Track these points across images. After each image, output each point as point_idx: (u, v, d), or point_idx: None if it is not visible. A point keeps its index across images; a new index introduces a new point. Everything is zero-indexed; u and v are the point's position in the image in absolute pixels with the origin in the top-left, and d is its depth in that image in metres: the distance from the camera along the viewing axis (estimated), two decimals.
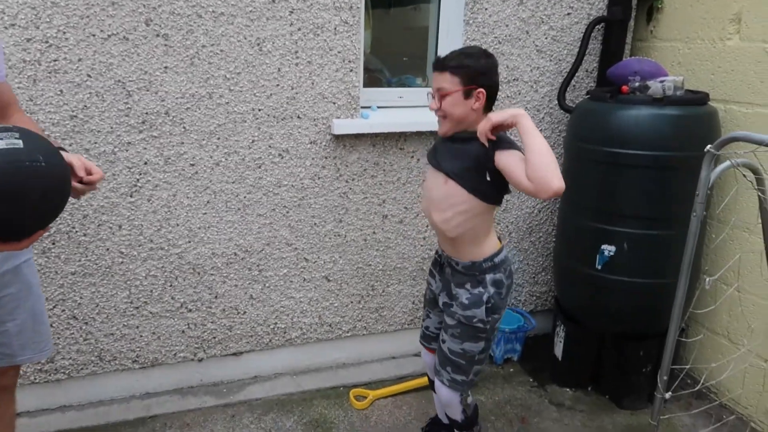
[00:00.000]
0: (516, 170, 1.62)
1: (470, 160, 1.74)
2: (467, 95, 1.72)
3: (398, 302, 2.85)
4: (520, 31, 2.68)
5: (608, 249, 2.41)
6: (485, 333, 1.87)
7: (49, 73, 2.11)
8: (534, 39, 2.71)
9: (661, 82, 2.38)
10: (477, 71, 1.71)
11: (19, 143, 1.11)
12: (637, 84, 2.43)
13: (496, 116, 1.64)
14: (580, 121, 2.56)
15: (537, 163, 1.55)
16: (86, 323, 2.40)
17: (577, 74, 2.80)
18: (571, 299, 2.69)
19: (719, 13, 2.52)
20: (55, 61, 2.10)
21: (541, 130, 2.82)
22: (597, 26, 2.76)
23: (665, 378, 2.01)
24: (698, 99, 2.41)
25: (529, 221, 2.98)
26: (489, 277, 1.84)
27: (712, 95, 2.50)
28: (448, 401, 1.98)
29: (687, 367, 2.60)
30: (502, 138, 1.71)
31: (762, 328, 2.43)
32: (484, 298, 1.83)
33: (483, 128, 1.66)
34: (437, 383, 1.99)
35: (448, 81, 1.72)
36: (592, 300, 2.54)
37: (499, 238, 1.91)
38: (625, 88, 2.46)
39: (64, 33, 2.09)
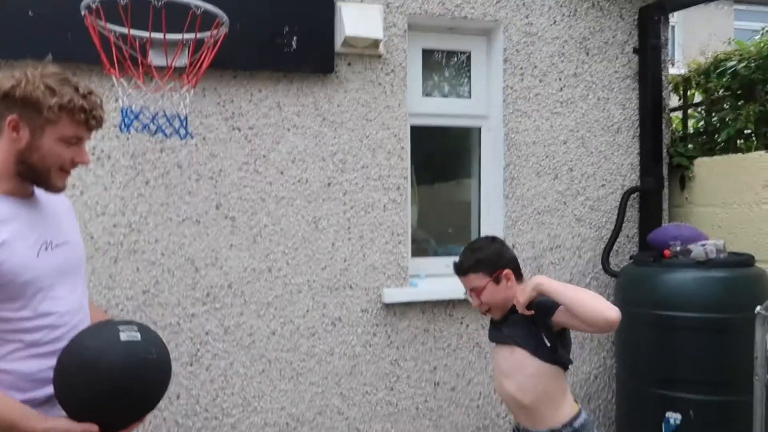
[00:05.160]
0: (572, 323, 1.73)
1: (526, 328, 1.83)
2: (497, 281, 1.86)
3: None
4: (558, 203, 2.85)
5: (674, 417, 2.30)
6: None
7: (129, 253, 2.35)
8: (572, 209, 2.86)
9: (703, 245, 2.44)
10: (493, 259, 1.87)
11: (137, 336, 1.19)
12: (678, 248, 2.49)
13: (522, 296, 1.78)
14: (626, 285, 2.60)
15: (579, 311, 1.65)
16: None
17: (618, 240, 2.89)
18: None
19: (751, 180, 2.64)
20: (135, 242, 2.36)
21: None
22: (632, 195, 2.90)
23: None
24: (744, 261, 2.43)
25: (586, 388, 2.88)
26: None
27: (757, 257, 2.52)
28: None
29: None
30: (542, 305, 1.78)
31: None
32: None
33: (521, 310, 1.80)
34: None
35: (475, 280, 1.87)
36: None
37: (576, 401, 1.90)
38: (667, 252, 2.52)
39: (146, 218, 2.37)
